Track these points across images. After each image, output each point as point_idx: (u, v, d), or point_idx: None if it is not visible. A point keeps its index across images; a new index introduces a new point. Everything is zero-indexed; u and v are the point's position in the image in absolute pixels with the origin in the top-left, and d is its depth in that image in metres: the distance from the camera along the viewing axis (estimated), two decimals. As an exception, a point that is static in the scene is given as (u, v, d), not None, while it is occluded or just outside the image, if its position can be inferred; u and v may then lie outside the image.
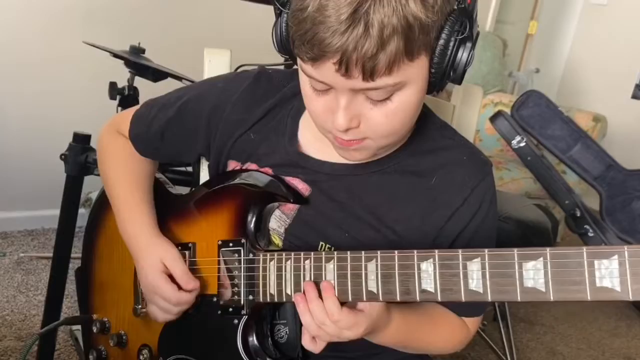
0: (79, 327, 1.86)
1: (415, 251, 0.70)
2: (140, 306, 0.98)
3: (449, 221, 0.85)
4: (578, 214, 1.68)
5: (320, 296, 0.75)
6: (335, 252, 0.76)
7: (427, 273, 0.69)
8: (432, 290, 0.69)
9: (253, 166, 0.91)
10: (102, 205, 1.08)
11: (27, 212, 2.61)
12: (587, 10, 4.22)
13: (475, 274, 0.66)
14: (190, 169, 1.62)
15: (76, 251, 1.61)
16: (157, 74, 1.64)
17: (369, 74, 0.67)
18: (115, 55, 1.60)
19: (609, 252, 0.59)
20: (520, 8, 4.28)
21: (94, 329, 1.06)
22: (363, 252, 0.73)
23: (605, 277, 0.59)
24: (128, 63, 1.64)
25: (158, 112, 0.98)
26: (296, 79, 0.81)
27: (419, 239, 0.85)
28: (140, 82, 1.68)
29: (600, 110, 3.17)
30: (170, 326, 0.95)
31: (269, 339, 0.87)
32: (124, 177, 0.99)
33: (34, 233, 2.61)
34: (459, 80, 0.74)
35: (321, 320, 0.74)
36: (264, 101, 0.93)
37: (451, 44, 0.69)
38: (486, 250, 0.65)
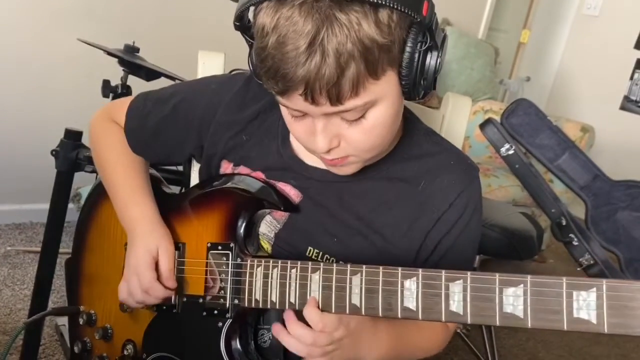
0: (64, 323, 1.87)
1: (399, 268, 0.71)
2: None
3: (435, 225, 0.87)
4: (563, 223, 1.70)
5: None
6: (322, 264, 0.77)
7: (410, 291, 0.70)
8: (414, 308, 0.70)
9: (245, 170, 0.92)
10: (96, 198, 1.08)
11: (15, 205, 2.61)
12: (579, 21, 4.26)
13: (457, 296, 0.67)
14: (181, 168, 1.62)
15: (64, 246, 1.62)
16: (150, 74, 1.64)
17: (336, 99, 0.69)
18: (110, 54, 1.61)
19: (587, 284, 0.60)
20: (513, 17, 4.32)
21: (81, 321, 1.07)
22: (349, 265, 0.74)
23: (583, 308, 0.60)
24: (122, 62, 1.64)
25: (153, 108, 0.99)
26: None
27: (407, 245, 0.87)
28: (133, 81, 1.69)
29: (589, 120, 3.21)
30: (156, 323, 0.96)
31: (252, 343, 0.88)
32: (122, 163, 1.00)
33: (21, 227, 2.60)
34: (431, 87, 0.76)
35: (308, 339, 0.75)
36: (255, 103, 0.94)
37: (416, 55, 0.71)
38: (469, 272, 0.67)
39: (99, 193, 1.06)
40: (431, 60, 0.72)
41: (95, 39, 1.72)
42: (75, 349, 1.08)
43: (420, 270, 0.70)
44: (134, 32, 1.86)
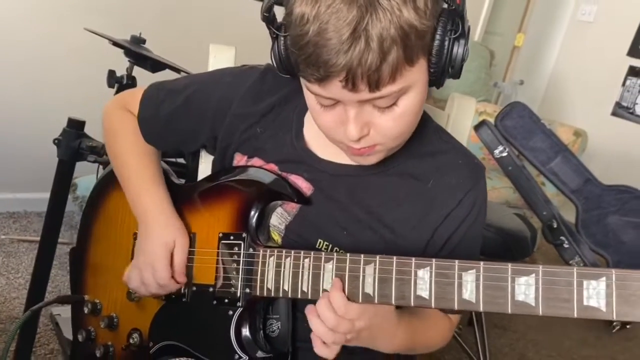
0: (59, 312, 1.87)
1: (413, 258, 0.72)
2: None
3: (443, 222, 0.89)
4: (555, 225, 1.73)
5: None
6: (335, 253, 0.78)
7: (424, 280, 0.71)
8: (427, 297, 0.71)
9: (259, 162, 0.93)
10: (103, 188, 1.09)
11: (8, 194, 2.59)
12: (574, 26, 4.29)
13: (470, 285, 0.69)
14: (182, 160, 1.62)
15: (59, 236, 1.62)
16: (156, 65, 1.64)
17: (375, 85, 0.70)
18: (116, 44, 1.60)
19: (597, 274, 0.62)
20: (509, 20, 4.35)
21: (85, 310, 1.06)
22: (362, 255, 0.76)
23: (593, 297, 0.62)
24: (128, 52, 1.64)
25: (166, 97, 1.00)
26: None
27: (414, 240, 0.88)
28: (138, 72, 1.68)
29: (581, 125, 3.24)
30: (164, 312, 0.96)
31: (261, 332, 0.89)
32: (135, 152, 1.01)
33: (15, 215, 2.60)
34: (457, 75, 0.78)
35: (330, 322, 0.75)
36: (270, 96, 0.95)
37: (446, 43, 0.73)
38: (481, 262, 0.68)
39: (107, 183, 1.07)
40: (459, 48, 0.74)
41: (102, 29, 1.71)
42: (79, 338, 1.08)
43: (433, 260, 0.71)
44: (140, 24, 1.85)
